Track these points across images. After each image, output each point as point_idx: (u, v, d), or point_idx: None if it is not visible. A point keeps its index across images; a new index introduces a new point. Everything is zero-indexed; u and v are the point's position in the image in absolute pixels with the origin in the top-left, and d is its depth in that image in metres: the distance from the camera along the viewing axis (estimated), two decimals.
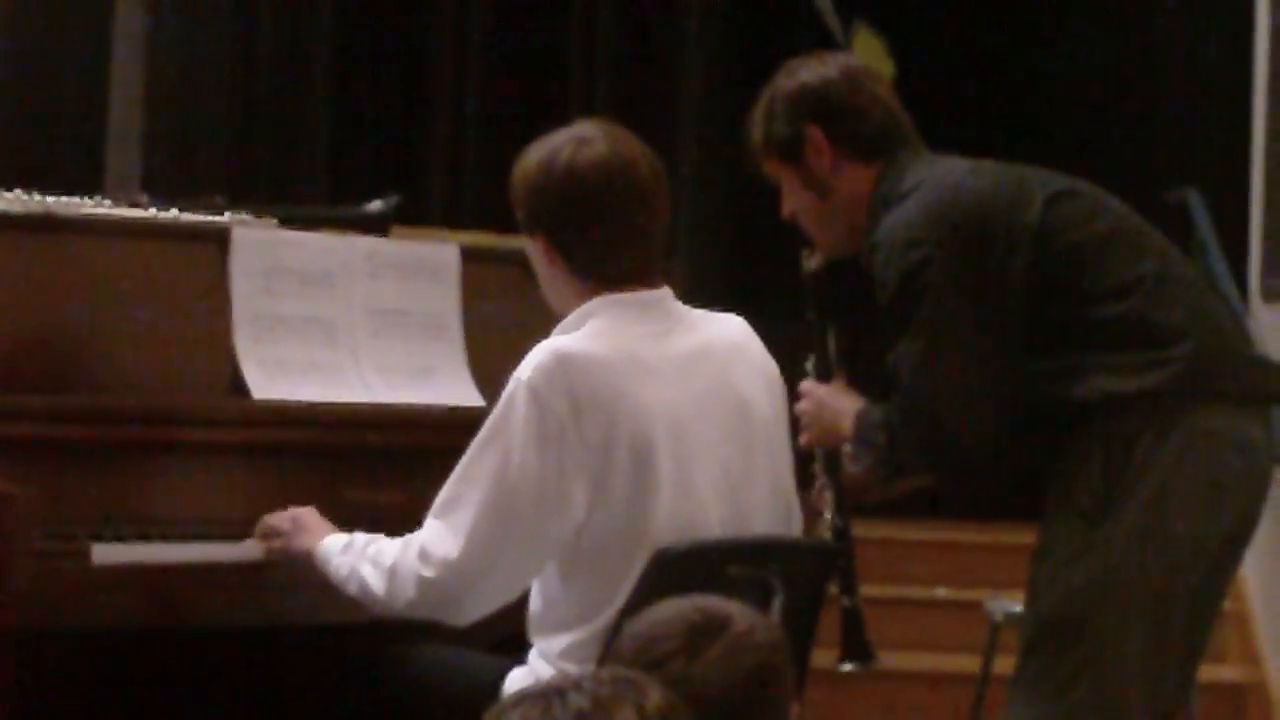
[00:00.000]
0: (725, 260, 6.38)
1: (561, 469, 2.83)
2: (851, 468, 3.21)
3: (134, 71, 6.77)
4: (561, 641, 2.89)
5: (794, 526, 3.09)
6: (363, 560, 2.97)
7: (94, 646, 3.26)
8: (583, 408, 2.83)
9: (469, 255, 3.67)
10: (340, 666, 3.19)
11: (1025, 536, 3.24)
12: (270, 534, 3.15)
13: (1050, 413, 3.02)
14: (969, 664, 4.67)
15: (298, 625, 3.27)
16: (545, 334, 2.95)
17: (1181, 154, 6.22)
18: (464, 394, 3.55)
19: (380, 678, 3.10)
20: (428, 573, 2.88)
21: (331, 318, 3.50)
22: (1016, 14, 6.52)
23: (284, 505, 3.18)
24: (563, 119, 3.07)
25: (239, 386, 3.36)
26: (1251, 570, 5.08)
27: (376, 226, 3.83)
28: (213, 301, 3.40)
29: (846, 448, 3.19)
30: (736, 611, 2.15)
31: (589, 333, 2.91)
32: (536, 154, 2.99)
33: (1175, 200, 5.70)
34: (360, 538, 3.02)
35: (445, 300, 3.61)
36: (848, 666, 3.20)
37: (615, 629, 2.65)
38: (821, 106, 3.18)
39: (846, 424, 3.15)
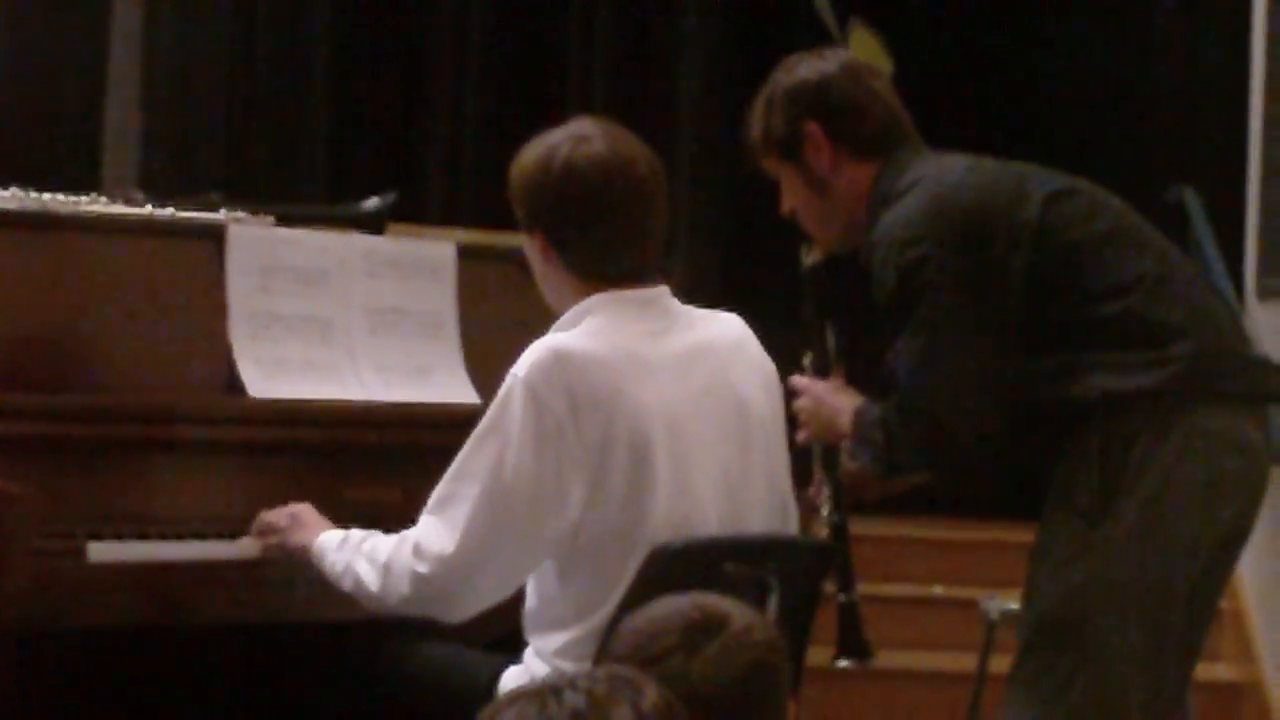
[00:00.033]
0: (722, 259, 6.38)
1: (558, 467, 2.83)
2: (850, 465, 3.21)
3: (131, 70, 6.77)
4: (557, 639, 2.89)
5: (790, 525, 3.10)
6: (358, 556, 2.97)
7: (92, 645, 3.26)
8: (580, 406, 2.83)
9: (466, 254, 3.67)
10: (337, 664, 3.19)
11: (1022, 535, 3.24)
12: (267, 530, 3.15)
13: (1049, 412, 3.02)
14: (965, 662, 4.66)
15: (295, 623, 3.27)
16: (542, 332, 2.95)
17: (1178, 153, 6.22)
18: (461, 392, 3.55)
19: (377, 675, 3.10)
20: (422, 568, 2.88)
21: (328, 316, 3.50)
22: (1014, 14, 6.52)
23: (281, 503, 3.18)
24: (560, 118, 3.07)
25: (235, 385, 3.36)
26: (1247, 569, 5.08)
27: (373, 225, 3.83)
28: (209, 300, 3.40)
29: (845, 444, 3.19)
30: (734, 609, 2.15)
31: (587, 330, 2.91)
32: (535, 152, 3.00)
33: (1172, 199, 5.70)
34: (356, 534, 3.02)
35: (442, 299, 3.61)
36: (844, 663, 3.20)
37: (611, 627, 2.65)
38: (821, 103, 3.18)
39: (845, 421, 3.15)
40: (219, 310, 3.40)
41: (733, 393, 2.98)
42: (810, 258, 3.30)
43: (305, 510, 3.15)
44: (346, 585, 2.98)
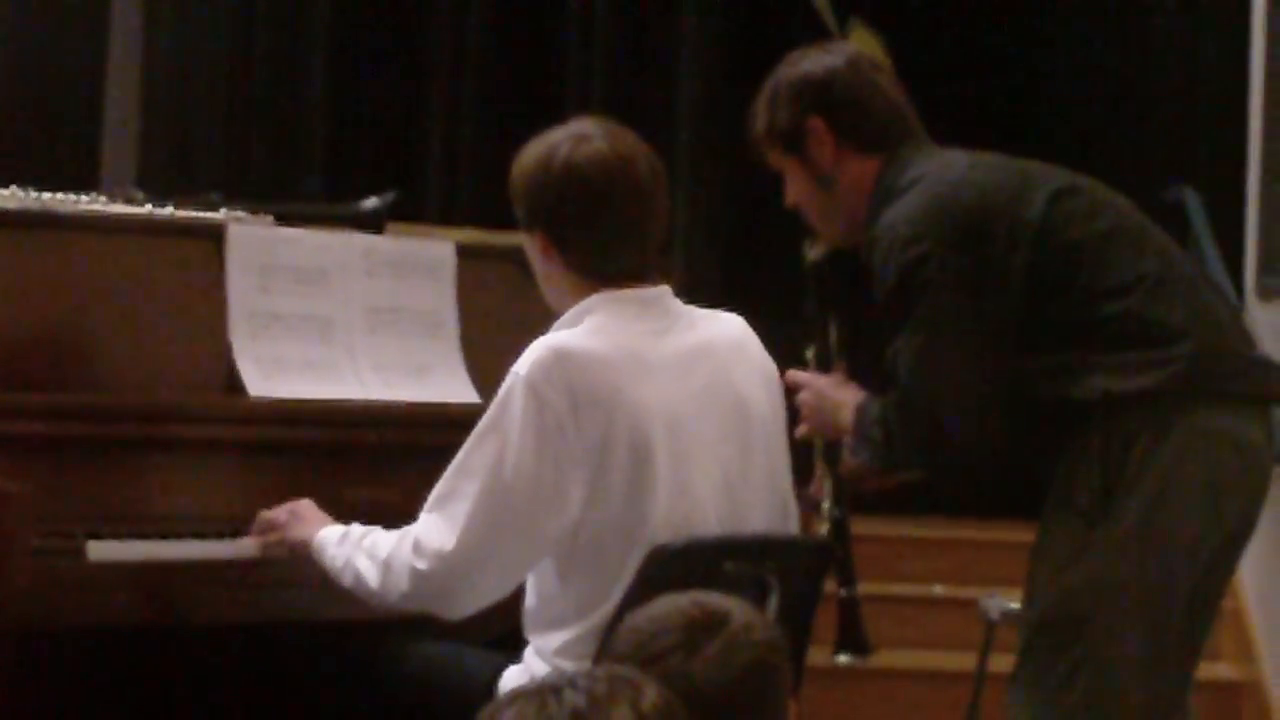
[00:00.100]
0: (721, 258, 6.38)
1: (558, 465, 2.83)
2: (850, 460, 3.21)
3: (131, 69, 6.77)
4: (557, 638, 2.89)
5: (791, 525, 3.09)
6: (358, 552, 2.97)
7: (92, 645, 3.26)
8: (581, 404, 2.83)
9: (465, 253, 3.67)
10: (337, 663, 3.19)
11: (1022, 534, 3.23)
12: (268, 527, 3.15)
13: (1049, 411, 3.01)
14: (965, 661, 4.66)
15: (294, 622, 3.27)
16: (541, 332, 2.95)
17: (1178, 152, 6.22)
18: (460, 391, 3.55)
19: (377, 674, 3.10)
20: (421, 565, 2.88)
21: (327, 315, 3.50)
22: (1014, 13, 6.52)
23: (280, 502, 3.18)
24: (559, 117, 3.07)
25: (235, 384, 3.36)
26: (1247, 568, 5.07)
27: (372, 224, 3.83)
28: (208, 298, 3.40)
29: (846, 440, 3.19)
30: (735, 608, 2.14)
31: (588, 329, 2.91)
32: (535, 151, 3.00)
33: (1171, 198, 5.69)
34: (356, 529, 3.02)
35: (441, 297, 3.61)
36: (843, 658, 3.20)
37: (612, 625, 2.65)
38: (824, 97, 3.17)
39: (846, 416, 3.15)
40: (218, 309, 3.40)
41: (733, 392, 2.98)
42: (813, 252, 3.29)
43: (306, 506, 3.15)
44: (346, 581, 2.98)
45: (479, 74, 6.67)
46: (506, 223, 3.22)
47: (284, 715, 3.41)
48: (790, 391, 3.19)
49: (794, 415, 3.19)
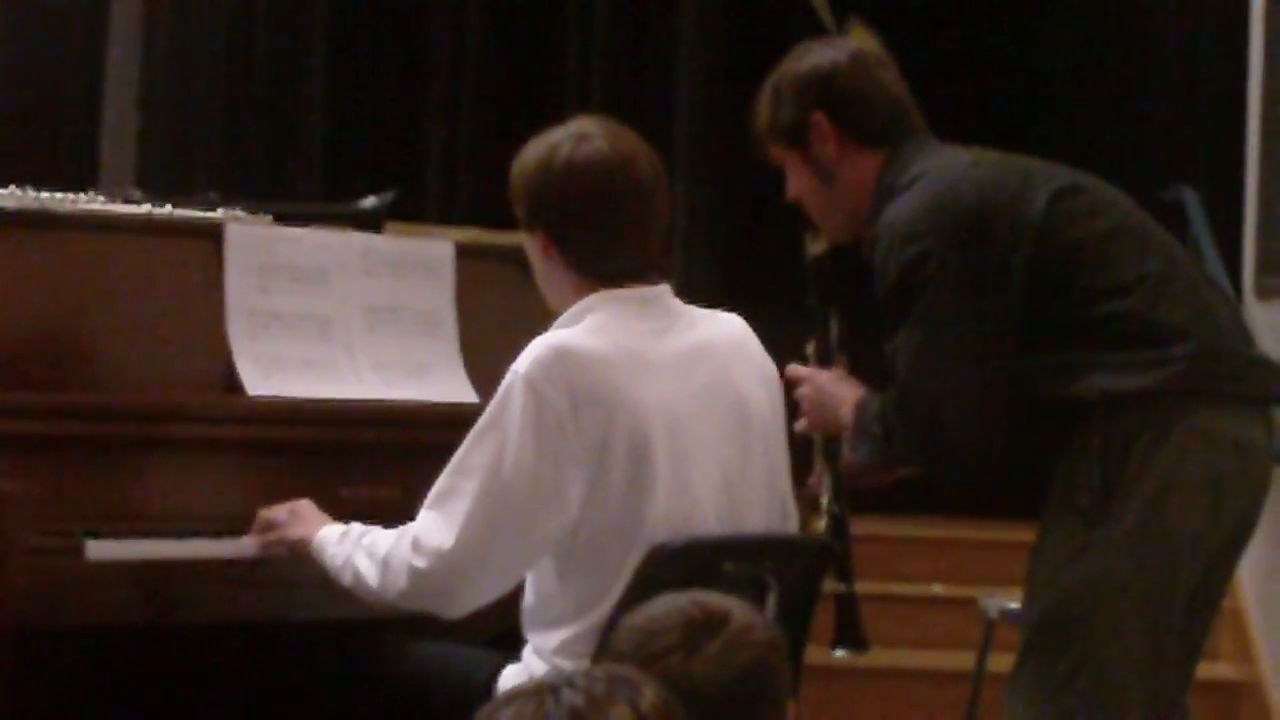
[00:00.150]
0: (720, 257, 6.38)
1: (558, 463, 2.83)
2: (849, 455, 3.20)
3: (130, 69, 6.76)
4: (556, 637, 2.89)
5: (790, 524, 3.09)
6: (358, 550, 2.97)
7: (91, 643, 3.26)
8: (581, 403, 2.83)
9: (464, 252, 3.67)
10: (336, 662, 3.19)
11: (1021, 533, 3.23)
12: (267, 526, 3.15)
13: (1049, 410, 3.01)
14: (964, 661, 4.67)
15: (293, 621, 3.27)
16: (540, 331, 2.95)
17: (1177, 152, 6.22)
18: (459, 391, 3.55)
19: (376, 673, 3.10)
20: (420, 563, 2.88)
21: (326, 314, 3.50)
22: (1014, 13, 6.53)
23: (279, 502, 3.18)
24: (558, 116, 3.07)
25: (234, 383, 3.36)
26: (1246, 568, 5.07)
27: (371, 223, 3.83)
28: (207, 298, 3.40)
29: (846, 435, 3.18)
30: (735, 608, 2.14)
31: (588, 328, 2.91)
32: (536, 150, 3.00)
33: (1170, 198, 5.70)
34: (356, 528, 3.02)
35: (440, 297, 3.61)
36: (840, 652, 3.19)
37: (610, 624, 2.64)
38: (827, 92, 3.17)
39: (846, 412, 3.14)
40: (217, 308, 3.40)
41: (733, 392, 2.98)
42: (815, 247, 3.29)
43: (305, 506, 3.15)
44: (346, 579, 2.98)
45: (478, 73, 6.68)
46: (506, 222, 3.22)
47: (283, 714, 3.41)
48: (790, 386, 3.19)
49: (794, 410, 3.19)
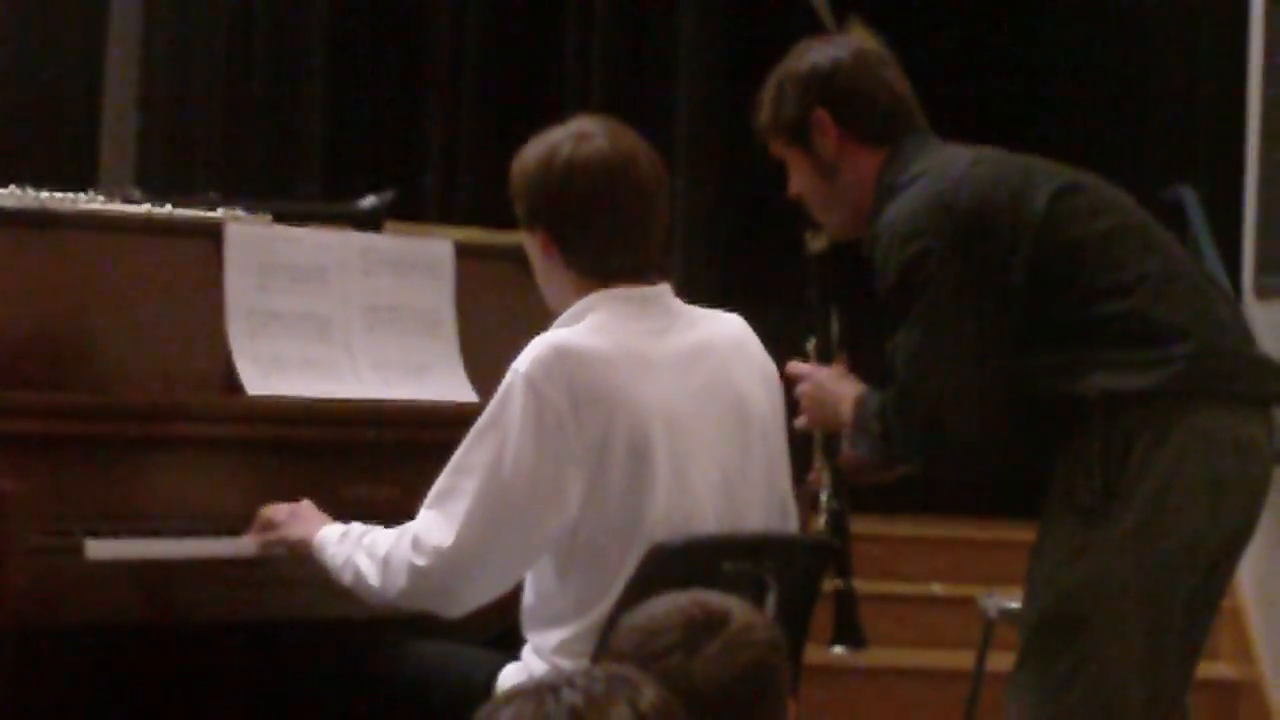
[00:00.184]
0: (719, 256, 6.38)
1: (557, 462, 2.83)
2: (849, 452, 3.20)
3: (129, 68, 6.76)
4: (555, 636, 2.89)
5: (790, 523, 3.09)
6: (358, 549, 2.97)
7: (90, 643, 3.26)
8: (581, 401, 2.83)
9: (463, 251, 3.67)
10: (336, 662, 3.19)
11: (1020, 532, 3.23)
12: (267, 525, 3.15)
13: (1049, 409, 3.01)
14: (963, 660, 4.67)
15: (292, 621, 3.27)
16: (539, 330, 2.95)
17: (1176, 152, 6.22)
18: (458, 390, 3.55)
19: (375, 673, 3.10)
20: (420, 562, 2.88)
21: (326, 313, 3.50)
22: (1014, 13, 6.52)
23: (278, 501, 3.18)
24: (558, 116, 3.07)
25: (233, 383, 3.36)
26: (1245, 567, 5.06)
27: (371, 222, 3.84)
28: (207, 297, 3.40)
29: (846, 432, 3.18)
30: (736, 607, 2.14)
31: (588, 327, 2.91)
32: (537, 149, 3.00)
33: (1170, 198, 5.70)
34: (356, 527, 3.02)
35: (439, 296, 3.61)
36: (838, 649, 3.19)
37: (610, 624, 2.64)
38: (829, 89, 3.18)
39: (845, 409, 3.14)
40: (217, 308, 3.40)
41: (733, 392, 2.98)
42: (816, 244, 3.29)
43: (305, 506, 3.15)
44: (346, 578, 2.99)
45: (477, 72, 6.68)
46: (505, 221, 3.22)
47: (282, 713, 3.41)
48: (790, 383, 3.19)
49: (794, 407, 3.19)
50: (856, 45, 3.24)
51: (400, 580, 2.90)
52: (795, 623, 2.94)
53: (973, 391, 3.02)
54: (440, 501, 2.90)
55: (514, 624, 2.98)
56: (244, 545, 3.16)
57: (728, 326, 3.07)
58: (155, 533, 3.13)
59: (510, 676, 2.92)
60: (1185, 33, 6.37)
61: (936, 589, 5.68)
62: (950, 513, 5.91)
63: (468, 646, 3.11)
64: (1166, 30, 6.42)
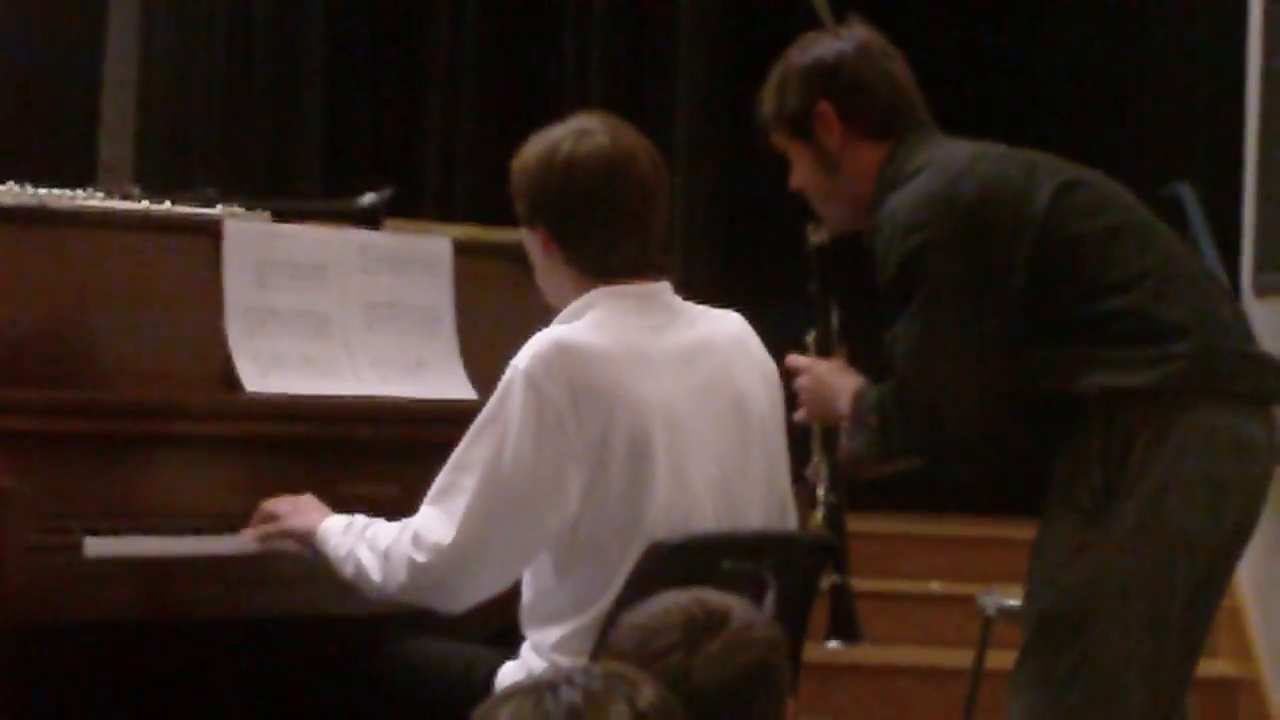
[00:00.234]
0: (718, 256, 6.38)
1: (557, 459, 2.83)
2: (847, 445, 3.20)
3: (128, 66, 6.77)
4: (554, 633, 2.89)
5: (789, 521, 3.09)
6: (360, 543, 2.98)
7: (89, 640, 3.26)
8: (581, 398, 2.83)
9: (462, 249, 3.67)
10: (335, 659, 3.19)
11: (1019, 530, 3.23)
12: (268, 517, 3.15)
13: (1049, 405, 3.00)
14: (962, 658, 4.66)
15: (292, 618, 3.26)
16: (539, 327, 2.95)
17: (1175, 149, 6.22)
18: (457, 387, 3.55)
19: (374, 670, 3.10)
20: (420, 557, 2.88)
21: (324, 311, 3.50)
22: (1014, 13, 6.53)
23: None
24: (557, 114, 3.07)
25: (232, 380, 3.36)
26: (1245, 566, 5.06)
27: (369, 219, 3.83)
28: (205, 294, 3.40)
29: (844, 425, 3.18)
30: (736, 606, 2.14)
31: (589, 324, 2.91)
32: (537, 146, 2.99)
33: (1168, 194, 5.70)
34: (360, 520, 3.02)
35: (438, 293, 3.61)
36: (834, 644, 3.19)
37: (609, 621, 2.64)
38: (833, 82, 3.17)
39: (844, 402, 3.14)
40: (215, 305, 3.40)
41: (733, 389, 2.98)
42: (817, 236, 3.29)
43: (307, 498, 3.15)
44: (348, 571, 2.99)
45: (476, 70, 6.68)
46: (504, 219, 3.21)
47: (281, 710, 3.41)
48: (790, 376, 3.19)
49: (792, 400, 3.18)
50: (861, 38, 3.24)
51: (400, 575, 2.90)
52: (794, 621, 2.94)
53: (971, 386, 3.02)
54: (440, 498, 2.90)
55: (513, 621, 2.98)
56: (243, 542, 3.15)
57: (728, 325, 3.07)
58: (154, 530, 3.13)
59: (509, 674, 2.92)
60: (1185, 33, 6.37)
61: (935, 587, 5.68)
62: (949, 511, 5.91)
63: (467, 644, 3.11)
64: (1166, 30, 6.43)
